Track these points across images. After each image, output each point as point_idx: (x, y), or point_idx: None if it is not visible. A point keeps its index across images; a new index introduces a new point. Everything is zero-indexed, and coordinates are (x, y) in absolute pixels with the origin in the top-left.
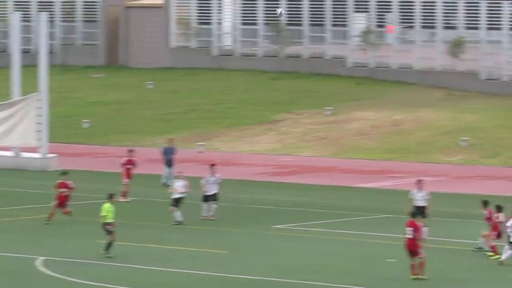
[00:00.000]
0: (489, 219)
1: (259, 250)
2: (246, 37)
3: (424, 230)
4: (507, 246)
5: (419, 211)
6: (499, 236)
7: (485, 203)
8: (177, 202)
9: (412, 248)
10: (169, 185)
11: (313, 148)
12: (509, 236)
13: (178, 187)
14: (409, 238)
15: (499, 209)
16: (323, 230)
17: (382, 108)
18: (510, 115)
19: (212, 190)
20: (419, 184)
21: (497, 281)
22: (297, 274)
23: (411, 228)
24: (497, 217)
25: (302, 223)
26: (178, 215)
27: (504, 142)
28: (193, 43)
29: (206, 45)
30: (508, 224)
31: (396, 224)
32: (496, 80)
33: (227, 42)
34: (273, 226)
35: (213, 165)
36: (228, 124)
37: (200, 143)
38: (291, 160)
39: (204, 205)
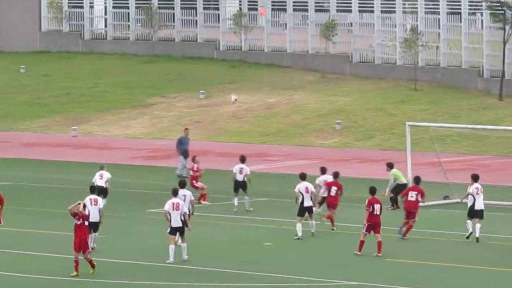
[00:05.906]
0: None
1: (133, 233)
2: (118, 20)
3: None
4: None
5: None
6: None
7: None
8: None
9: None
10: (184, 176)
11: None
12: None
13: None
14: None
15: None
16: (199, 214)
17: (255, 91)
18: (382, 98)
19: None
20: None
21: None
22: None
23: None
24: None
25: None
26: None
27: (377, 125)
28: (65, 27)
29: (78, 29)
30: None
31: (272, 208)
32: (368, 63)
33: (99, 25)
34: (148, 210)
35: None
36: (102, 108)
37: (74, 127)
38: (165, 144)
39: None
